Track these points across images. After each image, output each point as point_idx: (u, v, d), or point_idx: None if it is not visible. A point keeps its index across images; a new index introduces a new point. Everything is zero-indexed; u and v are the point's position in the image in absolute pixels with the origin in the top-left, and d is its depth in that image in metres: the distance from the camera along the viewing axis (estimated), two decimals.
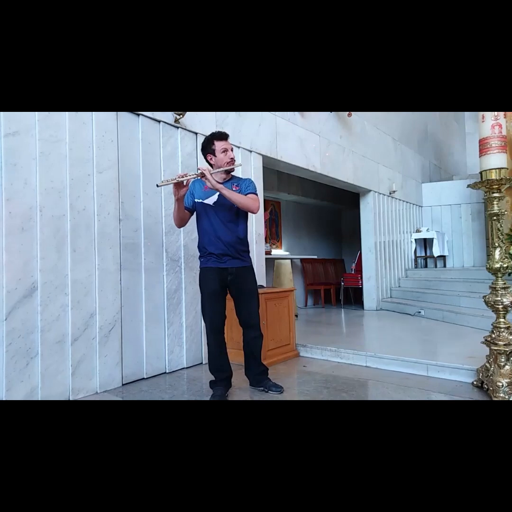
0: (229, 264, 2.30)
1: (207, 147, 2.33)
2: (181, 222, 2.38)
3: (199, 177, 2.22)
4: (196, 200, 2.32)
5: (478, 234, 6.58)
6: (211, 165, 2.34)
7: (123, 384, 2.60)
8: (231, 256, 2.30)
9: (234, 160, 2.33)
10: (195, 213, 2.38)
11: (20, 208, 2.15)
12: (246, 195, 2.28)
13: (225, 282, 2.32)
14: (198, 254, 2.39)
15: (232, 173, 2.41)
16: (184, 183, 2.19)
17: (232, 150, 2.33)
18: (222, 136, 2.31)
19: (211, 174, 2.16)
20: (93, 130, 2.51)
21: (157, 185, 2.21)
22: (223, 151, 2.28)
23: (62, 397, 2.29)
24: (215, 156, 2.30)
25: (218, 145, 2.29)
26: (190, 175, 2.19)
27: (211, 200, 2.29)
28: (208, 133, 3.22)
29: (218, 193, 2.25)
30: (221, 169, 2.27)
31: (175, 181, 2.15)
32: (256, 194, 2.34)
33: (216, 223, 2.28)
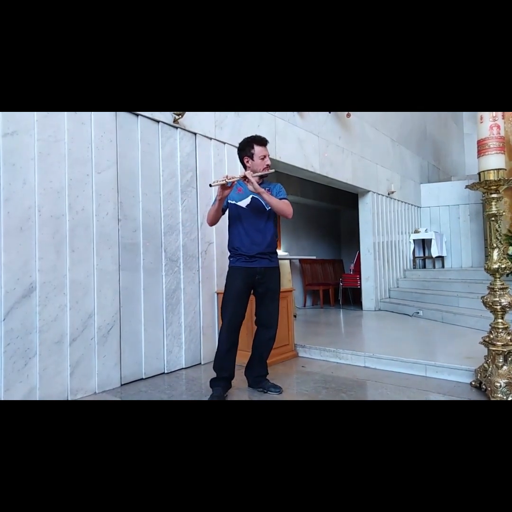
0: (257, 264, 2.35)
1: (246, 149, 2.38)
2: (214, 221, 2.45)
3: (241, 180, 2.30)
4: (229, 201, 2.39)
5: (476, 235, 6.59)
6: (245, 167, 2.41)
7: (121, 385, 2.60)
8: (260, 257, 2.35)
9: (269, 166, 2.39)
10: (226, 213, 2.44)
11: (18, 208, 2.15)
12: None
13: (252, 281, 2.36)
14: (228, 253, 2.46)
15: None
16: (229, 185, 2.25)
17: (268, 156, 2.40)
18: (262, 141, 2.37)
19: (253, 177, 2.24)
20: (92, 130, 2.51)
21: (210, 185, 2.32)
22: (262, 158, 2.35)
23: (61, 398, 2.29)
24: (252, 160, 2.36)
25: (258, 150, 2.35)
26: (235, 177, 2.27)
27: (244, 202, 2.36)
28: (207, 133, 3.27)
29: (251, 196, 2.35)
30: (258, 173, 2.33)
31: (223, 182, 2.22)
32: (288, 199, 2.41)
33: (247, 225, 2.35)
